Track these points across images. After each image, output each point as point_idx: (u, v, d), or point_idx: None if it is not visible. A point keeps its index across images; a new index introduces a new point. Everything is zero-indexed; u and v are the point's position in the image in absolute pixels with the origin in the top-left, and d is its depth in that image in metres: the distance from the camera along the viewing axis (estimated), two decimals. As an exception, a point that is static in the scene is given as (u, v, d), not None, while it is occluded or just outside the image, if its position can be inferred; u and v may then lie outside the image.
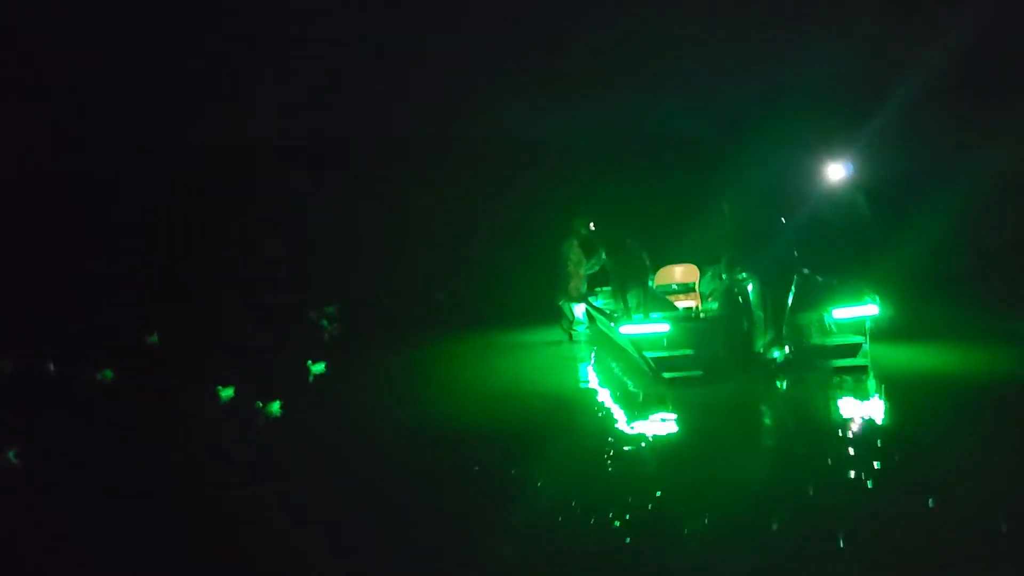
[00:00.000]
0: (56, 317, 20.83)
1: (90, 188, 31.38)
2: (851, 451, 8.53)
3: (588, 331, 16.23)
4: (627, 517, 7.00)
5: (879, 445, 8.60)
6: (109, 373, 14.65)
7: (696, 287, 15.00)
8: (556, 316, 16.85)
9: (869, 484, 7.52)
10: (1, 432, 10.26)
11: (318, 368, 14.22)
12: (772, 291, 11.29)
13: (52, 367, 15.39)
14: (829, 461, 8.14)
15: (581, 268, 15.80)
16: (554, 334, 16.69)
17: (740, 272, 11.59)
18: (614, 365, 13.52)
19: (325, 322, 20.82)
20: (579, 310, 16.18)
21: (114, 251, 28.24)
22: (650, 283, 16.69)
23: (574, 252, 15.74)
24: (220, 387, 12.45)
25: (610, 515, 7.04)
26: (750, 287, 11.61)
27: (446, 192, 25.94)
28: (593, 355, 14.84)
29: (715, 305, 14.29)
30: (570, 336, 16.22)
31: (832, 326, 11.91)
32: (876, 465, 7.95)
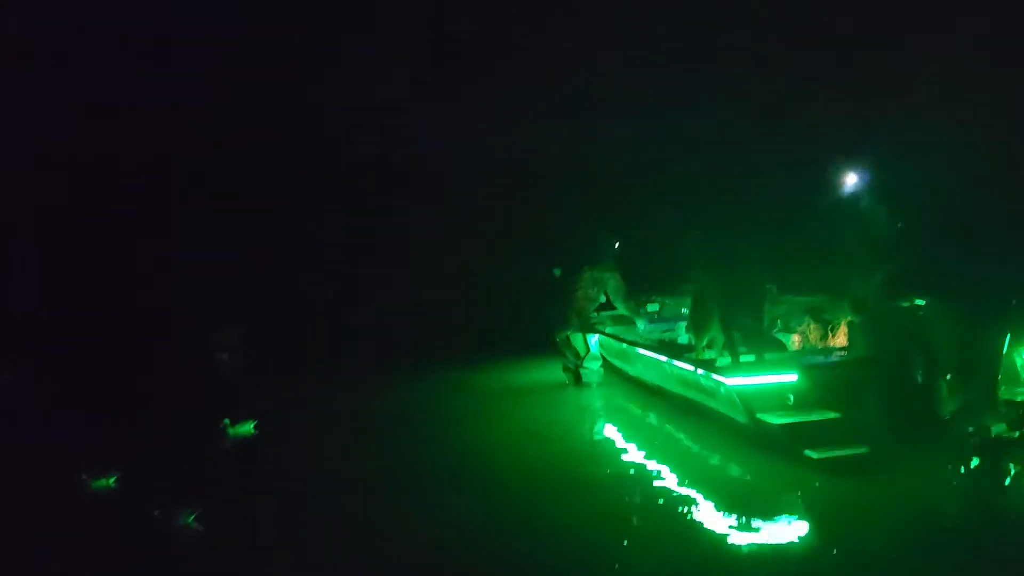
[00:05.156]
0: None
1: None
2: None
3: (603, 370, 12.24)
4: None
5: None
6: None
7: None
8: (538, 346, 12.95)
9: None
10: None
11: (243, 430, 9.60)
12: (977, 328, 7.47)
13: None
14: None
15: (591, 291, 12.02)
16: (549, 372, 12.58)
17: (914, 297, 7.77)
18: (673, 429, 9.46)
19: (227, 355, 16.02)
20: (592, 342, 12.18)
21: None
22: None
23: (595, 273, 11.95)
24: (92, 476, 7.72)
25: None
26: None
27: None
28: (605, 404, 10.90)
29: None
30: (578, 377, 12.09)
31: (1026, 371, 8.17)
32: None
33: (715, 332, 8.87)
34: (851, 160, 9.66)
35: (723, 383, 8.23)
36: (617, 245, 12.37)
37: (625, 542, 6.38)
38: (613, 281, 12.13)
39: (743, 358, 8.38)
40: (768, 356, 8.36)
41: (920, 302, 7.86)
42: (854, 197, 9.62)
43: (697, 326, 9.17)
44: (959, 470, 7.31)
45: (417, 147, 18.88)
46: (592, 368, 12.03)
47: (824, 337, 9.88)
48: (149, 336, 16.73)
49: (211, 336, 17.07)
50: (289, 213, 20.80)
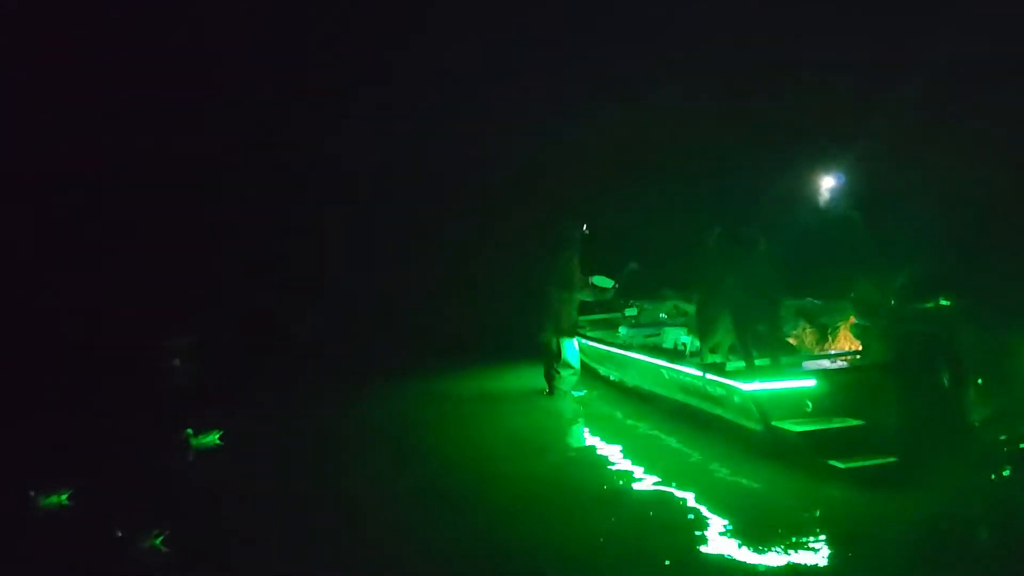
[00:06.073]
0: None
1: None
2: None
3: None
4: None
5: None
6: None
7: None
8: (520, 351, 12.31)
9: None
10: None
11: (207, 441, 8.78)
12: (1008, 330, 7.05)
13: None
14: None
15: (575, 291, 11.31)
16: (530, 379, 11.88)
17: (939, 299, 7.33)
18: (674, 440, 8.84)
19: (179, 362, 15.05)
20: (572, 348, 11.52)
21: None
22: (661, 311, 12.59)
23: (574, 268, 11.23)
24: (41, 492, 6.87)
25: None
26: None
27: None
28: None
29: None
30: (550, 386, 11.37)
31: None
32: None
33: (721, 336, 8.30)
34: (858, 159, 9.26)
35: (738, 389, 7.69)
36: (585, 227, 11.37)
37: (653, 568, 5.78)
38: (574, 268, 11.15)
39: (756, 362, 7.83)
40: (784, 360, 7.84)
41: (945, 303, 7.43)
42: (861, 198, 9.24)
43: (702, 330, 8.53)
44: (990, 479, 6.88)
45: (412, 150, 18.28)
46: (564, 375, 11.18)
47: (821, 341, 9.44)
48: (96, 338, 15.69)
49: (162, 343, 16.09)
50: (247, 215, 19.82)
